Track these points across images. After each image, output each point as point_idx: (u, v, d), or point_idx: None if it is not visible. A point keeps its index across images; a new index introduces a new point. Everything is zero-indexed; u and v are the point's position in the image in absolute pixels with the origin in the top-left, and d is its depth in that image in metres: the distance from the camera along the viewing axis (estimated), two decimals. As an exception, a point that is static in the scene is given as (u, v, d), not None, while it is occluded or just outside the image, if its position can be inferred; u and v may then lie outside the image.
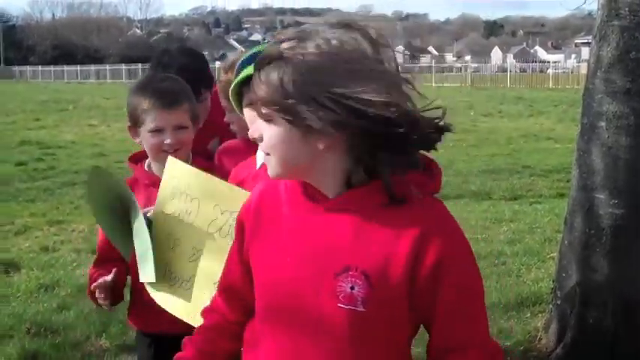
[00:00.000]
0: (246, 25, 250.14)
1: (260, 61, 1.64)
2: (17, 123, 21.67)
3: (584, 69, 51.77)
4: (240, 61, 2.33)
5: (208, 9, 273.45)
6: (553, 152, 14.71)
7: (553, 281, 4.93)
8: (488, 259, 6.87)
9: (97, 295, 2.64)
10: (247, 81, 2.08)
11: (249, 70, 2.02)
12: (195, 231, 2.34)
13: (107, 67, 70.08)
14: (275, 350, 1.76)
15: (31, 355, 4.66)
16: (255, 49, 2.30)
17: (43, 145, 16.19)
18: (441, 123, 1.62)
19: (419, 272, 1.60)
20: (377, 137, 1.55)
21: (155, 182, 2.68)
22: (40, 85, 54.90)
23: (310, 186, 1.70)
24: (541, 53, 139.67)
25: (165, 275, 2.43)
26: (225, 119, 2.97)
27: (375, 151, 1.58)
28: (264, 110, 1.63)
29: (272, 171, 1.69)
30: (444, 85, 47.97)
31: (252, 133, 1.97)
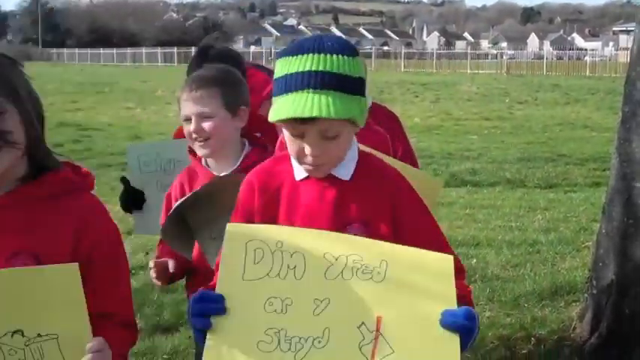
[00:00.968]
0: (281, 10, 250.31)
1: None
2: (55, 105, 21.88)
3: (621, 57, 51.16)
4: None
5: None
6: (589, 141, 14.55)
7: (589, 270, 4.88)
8: (522, 247, 6.84)
9: (152, 270, 2.70)
10: None
11: None
12: (310, 283, 2.03)
13: (143, 50, 70.59)
14: None
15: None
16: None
17: (79, 127, 16.40)
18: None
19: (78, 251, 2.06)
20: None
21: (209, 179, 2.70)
22: (77, 68, 55.48)
23: None
24: (578, 41, 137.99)
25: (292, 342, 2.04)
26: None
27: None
28: None
29: None
30: (479, 72, 47.63)
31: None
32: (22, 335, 1.94)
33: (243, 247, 2.04)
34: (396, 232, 2.15)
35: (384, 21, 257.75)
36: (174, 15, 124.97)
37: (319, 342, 2.02)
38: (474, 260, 6.38)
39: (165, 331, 4.85)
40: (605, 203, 4.63)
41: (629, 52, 4.88)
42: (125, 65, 64.13)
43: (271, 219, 2.18)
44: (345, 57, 2.03)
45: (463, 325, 1.87)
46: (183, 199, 2.61)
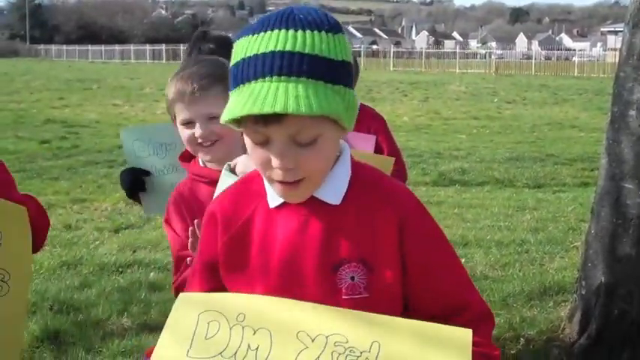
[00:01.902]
0: (270, 8, 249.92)
1: None
2: (42, 101, 21.81)
3: (609, 57, 51.40)
4: None
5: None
6: (577, 141, 14.59)
7: (578, 271, 4.88)
8: (510, 247, 6.83)
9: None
10: None
11: None
12: None
13: (131, 47, 70.38)
14: None
15: (53, 332, 4.68)
16: None
17: (67, 124, 16.29)
18: None
19: None
20: None
21: (215, 179, 2.28)
22: (65, 64, 55.21)
23: None
24: (566, 41, 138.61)
25: None
26: None
27: None
28: None
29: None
30: (468, 71, 47.75)
31: None
32: None
33: (194, 318, 1.65)
34: (405, 273, 1.67)
35: (372, 20, 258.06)
36: (163, 12, 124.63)
37: None
38: (462, 260, 6.33)
39: (152, 330, 4.81)
40: (593, 204, 4.62)
41: (617, 52, 4.87)
42: (113, 62, 63.93)
43: (239, 263, 1.72)
44: (324, 33, 1.48)
45: None
46: None
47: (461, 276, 1.72)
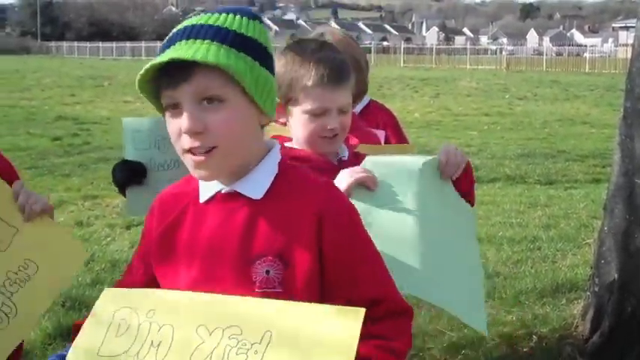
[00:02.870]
0: (280, 4, 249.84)
1: None
2: (53, 98, 21.85)
3: (621, 53, 51.17)
4: None
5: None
6: (589, 137, 14.52)
7: (590, 268, 4.86)
8: (522, 244, 6.80)
9: None
10: None
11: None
12: None
13: (142, 44, 70.48)
14: None
15: (66, 328, 4.69)
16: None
17: (78, 121, 16.33)
18: None
19: None
20: None
21: (333, 167, 2.24)
22: (76, 61, 55.36)
23: None
24: (578, 37, 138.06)
25: None
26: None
27: None
28: None
29: None
30: (479, 67, 47.61)
31: None
32: None
33: (110, 316, 1.67)
34: (323, 267, 1.70)
35: (383, 16, 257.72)
36: (174, 9, 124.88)
37: None
38: (474, 257, 6.34)
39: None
40: (606, 200, 4.60)
41: (628, 48, 4.85)
42: (124, 59, 64.05)
43: (167, 255, 1.80)
44: (239, 16, 1.68)
45: None
46: None
47: (377, 271, 1.78)
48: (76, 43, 79.34)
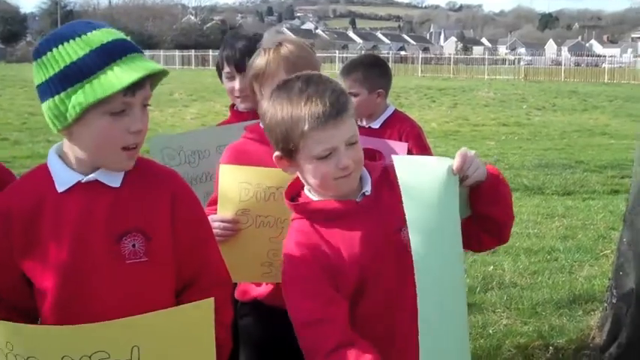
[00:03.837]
0: (298, 14, 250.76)
1: None
2: (72, 106, 21.98)
3: (640, 64, 50.80)
4: None
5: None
6: (608, 148, 14.44)
7: (608, 279, 4.83)
8: (540, 255, 6.78)
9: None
10: None
11: None
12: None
13: (161, 52, 70.79)
14: None
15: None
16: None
17: (96, 129, 16.41)
18: None
19: None
20: None
21: (355, 208, 2.14)
22: (95, 70, 55.66)
23: None
24: (596, 47, 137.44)
25: None
26: None
27: None
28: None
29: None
30: (497, 77, 47.46)
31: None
32: None
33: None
34: (174, 240, 2.00)
35: (401, 25, 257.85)
36: (192, 18, 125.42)
37: None
38: (491, 267, 6.33)
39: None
40: (625, 212, 4.57)
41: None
42: (143, 68, 64.43)
43: (31, 248, 1.90)
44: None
45: None
46: None
47: (216, 245, 2.15)
48: (95, 52, 79.91)
